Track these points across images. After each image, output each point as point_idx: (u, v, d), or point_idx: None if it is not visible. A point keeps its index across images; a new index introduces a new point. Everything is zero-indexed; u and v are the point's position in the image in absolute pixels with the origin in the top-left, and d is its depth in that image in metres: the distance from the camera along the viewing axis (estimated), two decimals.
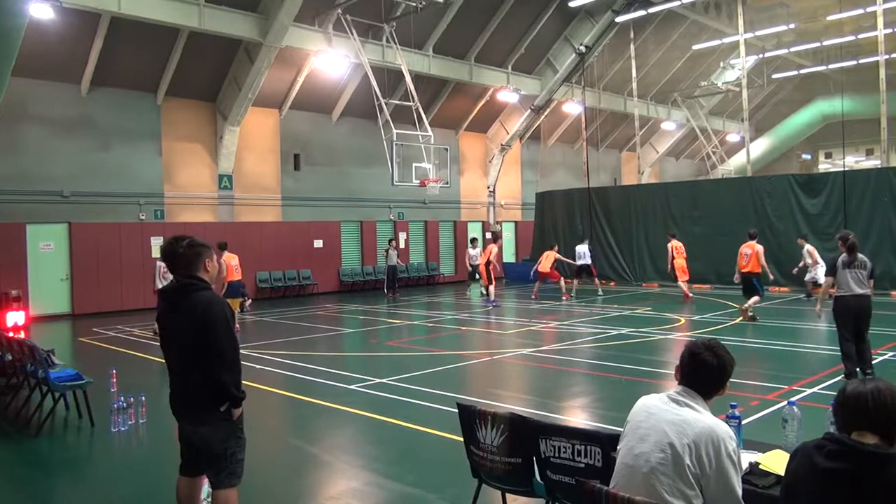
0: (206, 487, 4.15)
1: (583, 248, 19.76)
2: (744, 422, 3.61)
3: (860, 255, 7.90)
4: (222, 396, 3.70)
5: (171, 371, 3.88)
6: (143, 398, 7.15)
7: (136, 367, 10.34)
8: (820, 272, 16.18)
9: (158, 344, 3.99)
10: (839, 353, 9.84)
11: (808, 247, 16.80)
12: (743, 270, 13.38)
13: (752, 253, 13.23)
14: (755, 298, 13.30)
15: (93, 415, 7.06)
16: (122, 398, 6.99)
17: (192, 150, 19.75)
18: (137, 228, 18.48)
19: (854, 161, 37.21)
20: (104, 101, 18.12)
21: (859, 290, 7.80)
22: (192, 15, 16.73)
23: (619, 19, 24.22)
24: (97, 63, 17.16)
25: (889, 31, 22.11)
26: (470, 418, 3.96)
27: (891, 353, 9.78)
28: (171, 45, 17.85)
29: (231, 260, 12.97)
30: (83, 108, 17.81)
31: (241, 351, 11.07)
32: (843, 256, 7.87)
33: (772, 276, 14.57)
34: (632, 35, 25.88)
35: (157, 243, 18.38)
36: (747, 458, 3.16)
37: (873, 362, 8.27)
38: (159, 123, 19.19)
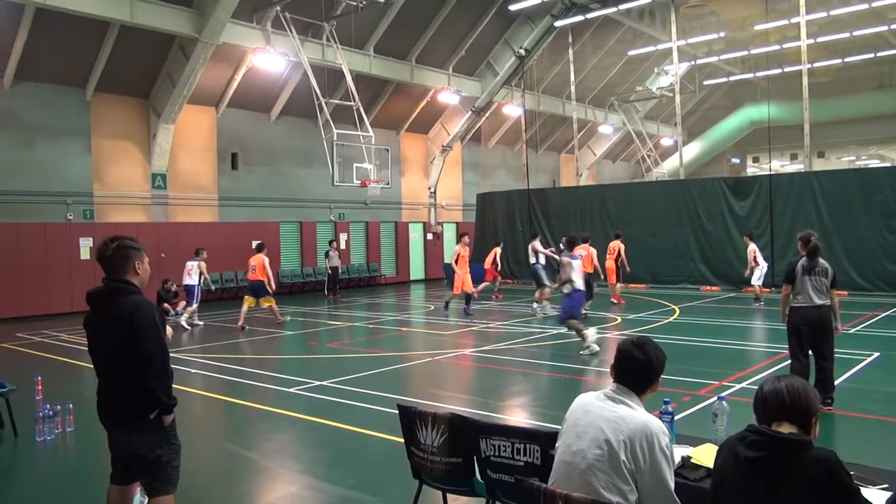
0: (137, 496, 4.03)
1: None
2: (676, 417, 3.72)
3: (821, 261, 6.86)
4: (152, 403, 3.58)
5: (98, 377, 3.75)
6: (71, 406, 6.87)
7: (64, 374, 9.94)
8: (756, 274, 16.07)
9: (87, 349, 3.85)
10: (767, 350, 10.27)
11: (751, 246, 16.19)
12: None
13: (585, 255, 14.30)
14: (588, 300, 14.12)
15: (16, 424, 6.74)
16: (48, 406, 6.70)
17: (123, 147, 19.09)
18: (65, 229, 17.74)
19: (779, 165, 38.81)
20: (29, 96, 17.32)
21: (819, 301, 6.75)
22: (124, 8, 16.17)
23: (557, 24, 24.64)
24: (21, 56, 16.39)
25: (811, 41, 23.18)
26: (410, 419, 3.96)
27: None
28: (102, 39, 17.22)
29: (253, 261, 14.29)
30: (6, 103, 16.97)
31: (177, 355, 10.70)
32: (804, 261, 6.85)
33: (602, 276, 16.51)
34: (570, 40, 26.38)
35: (86, 244, 17.70)
36: (679, 452, 3.26)
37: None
38: (88, 120, 18.47)
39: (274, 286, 14.83)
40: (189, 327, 14.27)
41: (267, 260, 14.43)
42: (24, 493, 5.48)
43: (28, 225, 17.08)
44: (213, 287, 15.73)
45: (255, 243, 15.34)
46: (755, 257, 16.05)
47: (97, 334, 3.71)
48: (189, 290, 14.63)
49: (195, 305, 14.62)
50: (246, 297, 14.47)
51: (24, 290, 16.88)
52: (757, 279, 16.15)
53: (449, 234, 28.78)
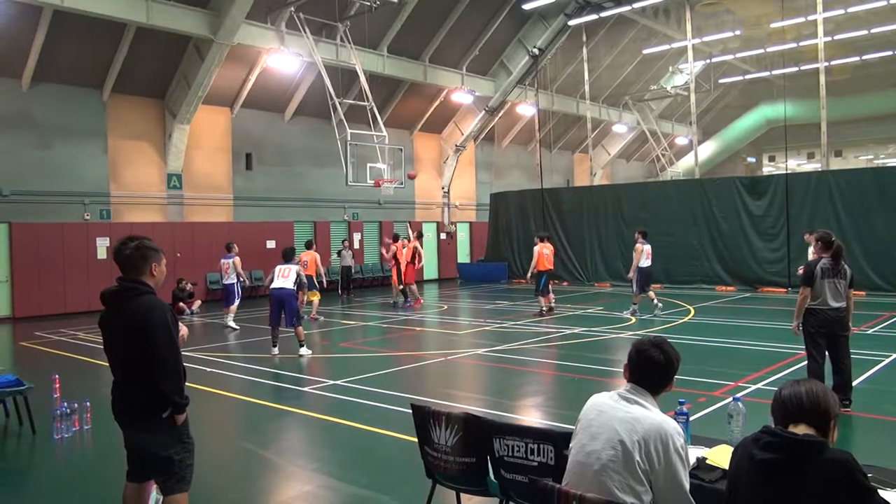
0: (154, 494, 4.06)
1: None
2: (691, 418, 3.70)
3: (842, 263, 6.75)
4: (164, 403, 3.61)
5: (113, 376, 3.79)
6: (88, 404, 6.93)
7: (81, 372, 10.03)
8: None
9: (102, 348, 3.89)
10: (783, 350, 10.18)
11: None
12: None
13: (549, 253, 15.13)
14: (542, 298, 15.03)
15: (34, 422, 6.82)
16: (66, 404, 6.77)
17: (139, 148, 19.25)
18: (82, 229, 17.92)
19: (796, 164, 38.48)
20: (47, 97, 17.52)
21: (835, 303, 6.65)
22: (140, 9, 16.31)
23: (571, 23, 24.56)
24: (39, 57, 16.58)
25: (828, 39, 22.95)
26: (424, 419, 3.96)
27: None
28: (118, 40, 17.37)
29: (305, 256, 15.02)
30: (24, 104, 17.18)
31: (193, 354, 10.74)
32: (824, 263, 6.71)
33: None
34: (584, 38, 26.28)
35: (103, 244, 17.87)
36: (694, 453, 3.24)
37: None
38: (105, 120, 18.64)
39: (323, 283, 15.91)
40: (238, 327, 14.15)
41: (318, 256, 15.47)
42: (41, 490, 5.54)
43: (46, 225, 17.27)
44: (247, 283, 15.37)
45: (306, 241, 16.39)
46: None
47: (111, 334, 3.75)
48: (228, 289, 14.60)
49: (235, 305, 14.45)
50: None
51: (42, 290, 17.06)
52: None
53: (462, 233, 28.79)
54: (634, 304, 14.51)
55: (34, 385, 7.09)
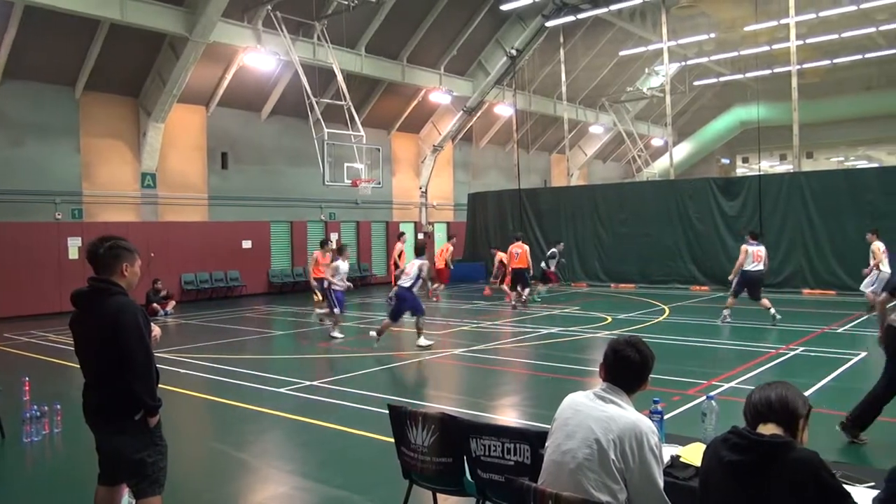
0: (125, 497, 4.00)
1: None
2: (665, 416, 3.73)
3: None
4: (136, 405, 3.56)
5: (84, 378, 3.73)
6: (59, 406, 6.82)
7: (52, 374, 9.87)
8: (871, 279, 13.61)
9: (73, 350, 3.82)
10: (755, 349, 10.32)
11: (875, 244, 13.64)
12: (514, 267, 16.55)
13: (521, 252, 16.58)
14: (527, 290, 16.66)
15: (4, 425, 6.68)
16: (36, 407, 6.65)
17: (113, 146, 18.97)
18: (53, 228, 17.62)
19: (769, 165, 39.04)
20: (17, 95, 17.17)
21: None
22: (114, 6, 16.06)
23: (549, 24, 24.67)
24: (10, 54, 16.25)
25: (801, 42, 23.31)
26: (400, 419, 3.96)
27: (802, 349, 10.32)
28: (91, 37, 17.10)
29: (317, 254, 14.65)
30: None
31: (167, 355, 10.63)
32: None
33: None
34: (561, 40, 26.42)
35: (74, 244, 17.58)
36: (669, 451, 3.27)
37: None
38: (77, 119, 18.34)
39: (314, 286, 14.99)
40: (341, 335, 12.53)
41: (316, 255, 14.60)
42: (11, 494, 5.43)
43: (16, 224, 16.94)
44: (324, 284, 12.78)
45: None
46: (879, 259, 13.45)
47: (82, 335, 3.69)
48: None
49: (335, 311, 12.63)
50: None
51: (11, 290, 16.71)
52: (870, 285, 13.54)
53: (440, 233, 28.78)
54: (726, 308, 13.11)
55: (3, 388, 6.97)
